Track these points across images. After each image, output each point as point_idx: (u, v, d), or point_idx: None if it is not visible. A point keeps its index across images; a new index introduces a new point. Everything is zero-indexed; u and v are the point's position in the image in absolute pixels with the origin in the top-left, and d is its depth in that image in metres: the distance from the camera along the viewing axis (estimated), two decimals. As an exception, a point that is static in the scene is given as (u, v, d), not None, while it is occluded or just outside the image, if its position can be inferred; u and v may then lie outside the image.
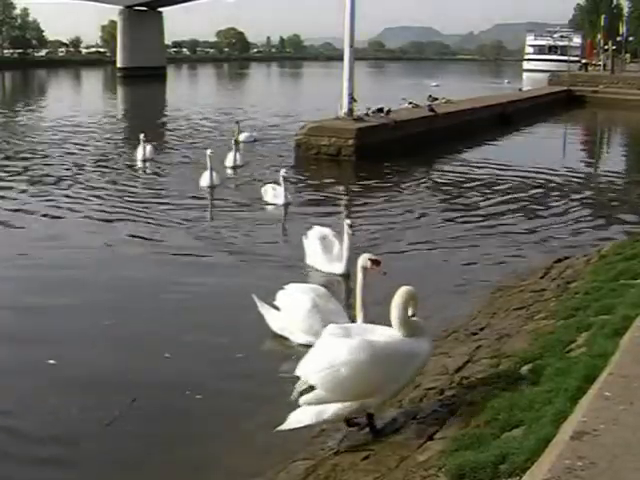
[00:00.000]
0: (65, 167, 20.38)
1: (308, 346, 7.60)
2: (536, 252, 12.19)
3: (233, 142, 23.77)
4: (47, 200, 15.96)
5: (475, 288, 10.12)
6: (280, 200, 15.32)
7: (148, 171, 20.40)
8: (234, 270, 11.08)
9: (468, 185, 18.93)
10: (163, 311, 9.40)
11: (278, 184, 15.58)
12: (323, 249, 10.69)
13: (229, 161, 20.34)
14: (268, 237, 13.15)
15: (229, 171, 20.04)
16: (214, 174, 17.05)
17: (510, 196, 17.44)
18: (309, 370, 5.06)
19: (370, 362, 4.93)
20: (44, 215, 14.57)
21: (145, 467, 5.81)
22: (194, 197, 16.49)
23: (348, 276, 10.09)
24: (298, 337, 7.93)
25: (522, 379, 5.30)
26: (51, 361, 7.60)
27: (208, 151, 16.98)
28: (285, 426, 5.17)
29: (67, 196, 16.41)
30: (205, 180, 16.99)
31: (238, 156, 20.53)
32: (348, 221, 10.45)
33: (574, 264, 10.18)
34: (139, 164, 21.08)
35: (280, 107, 40.28)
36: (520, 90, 46.55)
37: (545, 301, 8.12)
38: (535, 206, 16.23)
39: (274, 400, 6.68)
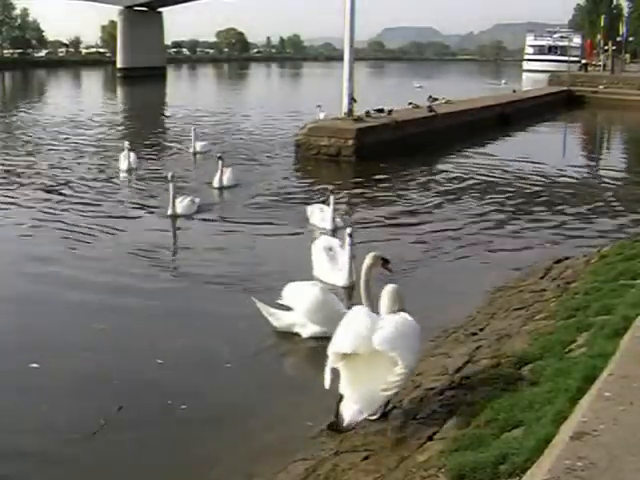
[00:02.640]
0: (39, 172, 19.36)
1: (317, 338, 7.70)
2: (536, 252, 12.18)
3: (192, 153, 22.47)
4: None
5: (475, 288, 10.11)
6: (328, 224, 13.38)
7: (129, 184, 18.61)
8: (234, 285, 10.35)
9: (467, 185, 18.92)
10: (157, 318, 9.17)
11: (326, 205, 13.72)
12: (329, 260, 10.30)
13: (215, 181, 17.47)
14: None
15: (215, 193, 17.30)
16: (184, 201, 14.66)
17: (510, 196, 17.44)
18: (386, 340, 5.11)
19: (415, 327, 5.44)
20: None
21: (141, 476, 5.74)
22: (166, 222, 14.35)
23: (352, 288, 9.68)
24: (310, 330, 8.10)
25: (522, 379, 5.31)
26: (34, 365, 7.41)
27: (169, 174, 14.54)
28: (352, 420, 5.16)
29: (32, 207, 15.28)
30: (169, 208, 14.41)
31: (226, 176, 17.49)
32: (349, 230, 10.10)
33: (574, 264, 10.18)
34: (122, 175, 19.25)
35: (279, 108, 39.92)
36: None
37: (545, 301, 8.12)
38: (535, 206, 16.23)
39: (273, 402, 6.71)
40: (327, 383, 5.21)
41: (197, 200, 15.16)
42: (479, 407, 4.95)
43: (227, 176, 17.50)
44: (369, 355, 5.14)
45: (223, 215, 15.17)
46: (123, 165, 19.53)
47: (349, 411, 5.16)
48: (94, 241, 12.76)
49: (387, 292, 5.77)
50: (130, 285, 10.22)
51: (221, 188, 17.44)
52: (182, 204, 14.61)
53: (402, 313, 5.54)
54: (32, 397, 6.80)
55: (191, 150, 22.69)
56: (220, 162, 17.31)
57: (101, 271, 10.84)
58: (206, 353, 7.92)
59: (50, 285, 10.25)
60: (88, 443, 6.00)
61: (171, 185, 14.29)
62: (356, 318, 5.43)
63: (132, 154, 19.62)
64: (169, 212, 14.34)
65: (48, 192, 16.79)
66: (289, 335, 8.22)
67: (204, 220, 14.63)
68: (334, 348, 5.23)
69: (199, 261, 11.67)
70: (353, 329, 5.28)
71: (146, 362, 7.60)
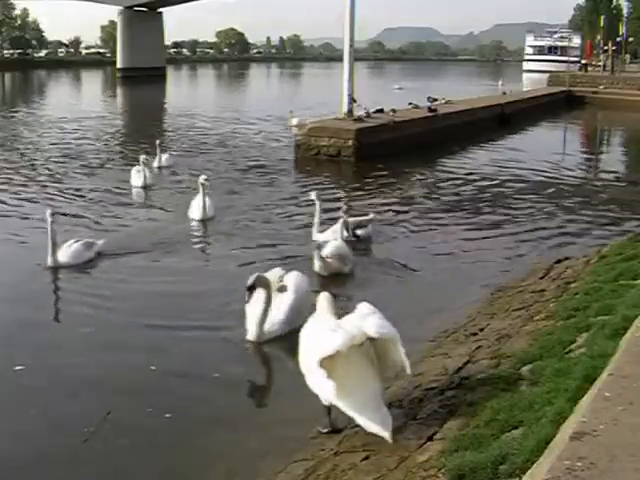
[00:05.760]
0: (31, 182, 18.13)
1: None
2: (536, 252, 12.19)
3: (156, 167, 19.60)
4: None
5: (475, 288, 10.11)
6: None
7: (144, 201, 16.59)
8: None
9: (467, 186, 18.93)
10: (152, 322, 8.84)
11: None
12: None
13: (195, 212, 14.10)
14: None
15: (194, 225, 13.93)
16: (73, 247, 11.03)
17: (510, 196, 17.45)
18: (379, 328, 5.19)
19: None
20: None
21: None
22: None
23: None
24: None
25: (522, 380, 5.30)
26: (18, 367, 7.27)
27: (48, 211, 10.88)
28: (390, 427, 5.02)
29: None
30: (49, 257, 10.76)
31: (207, 203, 14.03)
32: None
33: (574, 264, 10.18)
34: (134, 192, 17.24)
35: (277, 111, 37.96)
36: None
37: (545, 302, 8.12)
38: (535, 206, 16.22)
39: (272, 402, 6.72)
40: (331, 392, 5.00)
41: (99, 242, 11.59)
42: (479, 407, 4.95)
43: (209, 204, 14.13)
44: (348, 356, 5.06)
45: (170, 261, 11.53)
46: (136, 181, 17.47)
47: (379, 429, 4.97)
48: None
49: (325, 297, 5.77)
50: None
51: (204, 220, 14.04)
52: (69, 250, 11.01)
53: (363, 302, 5.58)
54: (16, 403, 6.68)
55: (155, 164, 19.83)
56: (202, 187, 13.88)
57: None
58: (202, 357, 7.85)
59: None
60: (82, 449, 5.89)
61: (49, 222, 10.69)
62: (324, 322, 5.47)
63: (146, 170, 17.54)
64: (49, 262, 10.78)
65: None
66: (286, 336, 8.16)
67: (113, 272, 10.90)
68: (324, 351, 5.02)
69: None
70: (336, 329, 5.21)
71: (138, 367, 7.46)
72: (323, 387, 5.07)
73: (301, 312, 8.08)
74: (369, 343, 5.23)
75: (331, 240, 11.14)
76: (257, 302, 7.88)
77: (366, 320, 5.24)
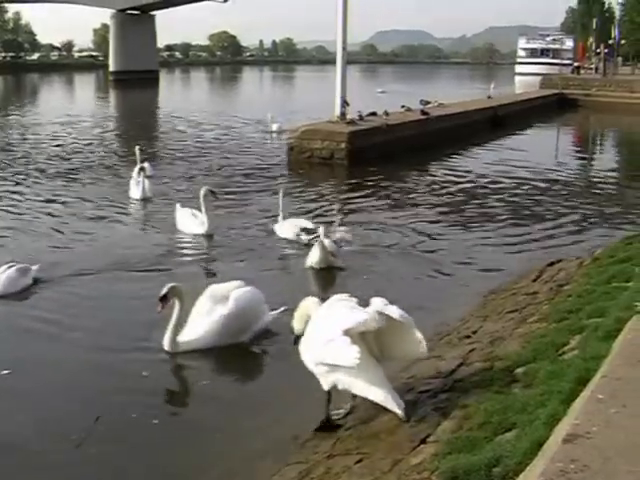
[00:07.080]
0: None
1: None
2: (529, 255, 12.20)
3: (141, 175, 16.69)
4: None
5: (468, 291, 10.12)
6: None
7: (142, 213, 15.82)
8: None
9: (461, 188, 18.96)
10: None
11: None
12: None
13: (189, 225, 13.30)
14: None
15: (200, 242, 12.93)
16: (6, 274, 9.79)
17: (503, 199, 17.48)
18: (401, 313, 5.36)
19: None
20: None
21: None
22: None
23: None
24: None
25: (515, 382, 5.30)
26: (5, 371, 7.18)
27: None
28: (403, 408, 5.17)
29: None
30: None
31: (204, 216, 13.09)
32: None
33: (567, 267, 10.19)
34: (132, 204, 16.25)
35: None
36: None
37: (538, 304, 8.13)
38: (527, 209, 16.26)
39: (266, 405, 6.70)
40: (354, 357, 4.98)
41: (33, 268, 10.32)
42: (472, 410, 4.95)
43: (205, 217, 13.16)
44: (362, 338, 5.26)
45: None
46: (135, 193, 16.49)
47: (395, 407, 5.13)
48: None
49: (313, 302, 5.85)
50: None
51: (211, 236, 13.14)
52: (1, 278, 9.81)
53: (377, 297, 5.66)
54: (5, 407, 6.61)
55: (141, 172, 17.39)
56: (204, 199, 13.03)
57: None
58: (199, 361, 7.84)
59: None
60: (76, 454, 5.84)
61: None
62: (341, 301, 5.63)
63: (147, 180, 16.64)
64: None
65: None
66: (283, 339, 8.16)
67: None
68: (352, 322, 5.19)
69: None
70: (353, 308, 5.43)
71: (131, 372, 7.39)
72: (345, 353, 5.05)
73: (239, 327, 8.06)
74: (372, 333, 5.39)
75: (319, 239, 11.23)
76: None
77: (384, 307, 5.38)
